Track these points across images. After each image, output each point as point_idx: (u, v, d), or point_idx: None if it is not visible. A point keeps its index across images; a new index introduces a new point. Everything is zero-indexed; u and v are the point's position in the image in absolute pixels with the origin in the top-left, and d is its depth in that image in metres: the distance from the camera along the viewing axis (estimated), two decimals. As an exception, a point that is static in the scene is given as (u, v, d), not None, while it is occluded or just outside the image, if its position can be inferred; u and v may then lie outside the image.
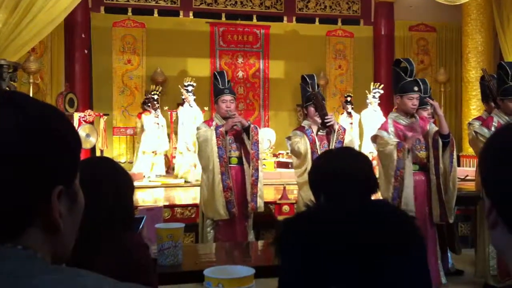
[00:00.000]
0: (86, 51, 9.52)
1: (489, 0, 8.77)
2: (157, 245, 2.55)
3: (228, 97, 4.71)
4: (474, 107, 8.67)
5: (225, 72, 5.23)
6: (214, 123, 4.74)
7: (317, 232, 1.49)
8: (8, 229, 0.71)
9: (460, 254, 4.94)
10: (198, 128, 4.85)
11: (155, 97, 8.87)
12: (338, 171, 1.90)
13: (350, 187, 1.89)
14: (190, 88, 8.28)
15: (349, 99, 9.70)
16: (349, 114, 9.60)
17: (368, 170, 1.95)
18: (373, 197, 2.07)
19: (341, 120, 9.40)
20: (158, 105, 8.81)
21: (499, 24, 8.70)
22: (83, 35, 9.47)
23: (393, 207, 1.79)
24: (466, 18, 8.98)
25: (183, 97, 8.34)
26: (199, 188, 4.97)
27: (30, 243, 0.72)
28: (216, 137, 4.57)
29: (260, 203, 4.64)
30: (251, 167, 4.63)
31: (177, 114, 8.63)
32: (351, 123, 9.42)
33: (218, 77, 4.86)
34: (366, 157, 2.03)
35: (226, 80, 4.87)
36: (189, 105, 8.20)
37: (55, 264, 0.75)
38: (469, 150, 8.15)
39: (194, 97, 8.24)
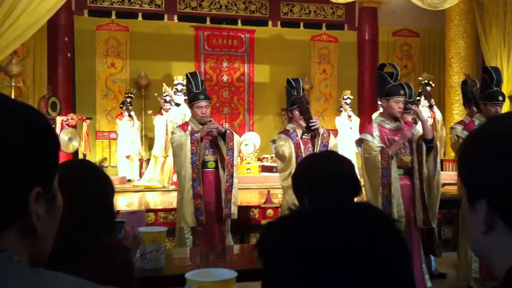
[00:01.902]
0: (69, 55, 9.44)
1: (471, 6, 8.87)
2: (140, 249, 2.53)
3: (203, 103, 4.64)
4: (457, 111, 8.74)
5: (197, 72, 5.11)
6: (189, 127, 4.69)
7: (301, 235, 1.49)
8: None
9: (440, 257, 4.97)
10: (172, 133, 4.79)
11: (168, 98, 8.57)
12: (321, 174, 1.91)
13: (334, 190, 1.89)
14: (179, 87, 8.03)
15: (348, 101, 9.27)
16: (349, 117, 9.16)
17: (351, 173, 1.96)
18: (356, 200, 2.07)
19: (338, 123, 9.18)
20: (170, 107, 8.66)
21: (481, 30, 8.80)
22: (66, 38, 9.39)
23: (376, 208, 1.80)
24: (449, 24, 9.07)
25: (167, 97, 8.19)
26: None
27: (6, 246, 0.70)
28: (191, 143, 4.52)
29: (233, 209, 4.59)
30: (225, 173, 4.60)
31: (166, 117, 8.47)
32: (351, 128, 9.04)
33: (191, 79, 4.75)
34: (349, 161, 2.04)
35: (200, 82, 4.76)
36: (174, 104, 7.93)
37: (33, 266, 0.73)
38: (451, 154, 8.22)
39: (185, 97, 8.00)
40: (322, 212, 1.64)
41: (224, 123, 9.89)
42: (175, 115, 7.89)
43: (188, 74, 4.86)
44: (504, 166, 0.77)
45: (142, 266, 2.49)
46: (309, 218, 1.62)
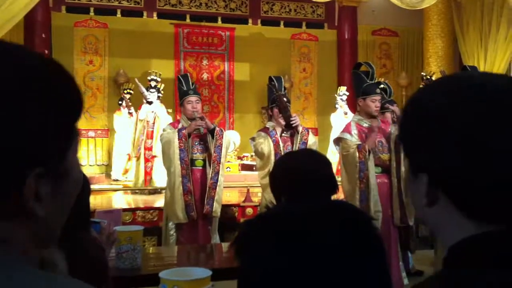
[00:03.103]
0: (46, 51, 9.29)
1: (449, 6, 8.98)
2: (115, 248, 2.50)
3: (193, 98, 4.70)
4: (434, 110, 8.81)
5: (188, 74, 5.22)
6: (180, 125, 4.72)
7: (278, 233, 1.48)
8: None
9: (414, 253, 5.01)
10: (163, 130, 4.85)
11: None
12: (298, 171, 1.91)
13: (310, 188, 1.89)
14: (153, 84, 7.59)
15: (344, 97, 8.87)
16: (345, 114, 8.77)
17: (327, 171, 1.96)
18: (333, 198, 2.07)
19: (333, 120, 8.91)
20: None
21: (458, 29, 8.92)
22: (43, 35, 9.24)
23: (353, 207, 1.81)
24: (427, 23, 9.16)
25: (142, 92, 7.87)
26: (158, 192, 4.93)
27: (5, 233, 0.61)
28: (179, 139, 4.55)
29: (216, 207, 4.60)
30: (211, 170, 4.61)
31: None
32: None
33: (182, 80, 4.85)
34: (325, 158, 2.04)
35: (191, 82, 4.86)
36: (145, 101, 7.50)
37: (39, 248, 0.65)
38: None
39: (159, 94, 7.62)
40: (299, 210, 1.63)
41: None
42: (145, 113, 7.51)
43: (180, 76, 5.01)
44: (440, 138, 0.74)
45: (118, 265, 2.47)
46: (286, 216, 1.61)
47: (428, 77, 7.63)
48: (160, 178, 7.01)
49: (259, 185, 4.87)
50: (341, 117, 8.89)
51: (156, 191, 7.06)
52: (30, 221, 0.62)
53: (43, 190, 0.61)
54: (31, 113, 0.60)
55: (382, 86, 4.94)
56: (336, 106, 9.21)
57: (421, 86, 8.21)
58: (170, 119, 7.41)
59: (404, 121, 0.83)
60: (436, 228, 0.80)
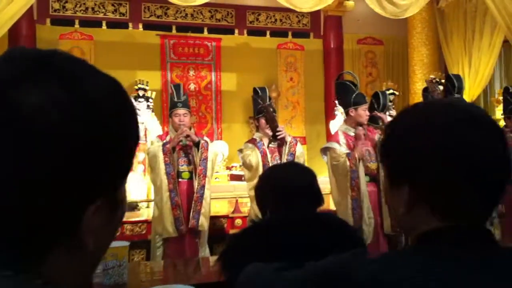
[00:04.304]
0: (31, 64, 9.22)
1: (433, 14, 9.07)
2: (101, 264, 2.47)
3: (181, 111, 4.68)
4: (421, 117, 8.84)
5: (181, 85, 5.18)
6: (168, 137, 4.70)
7: (263, 246, 1.47)
8: (27, 256, 0.54)
9: None
10: (151, 143, 4.82)
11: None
12: (282, 184, 1.90)
13: (295, 201, 1.88)
14: (141, 93, 7.41)
15: None
16: None
17: (312, 183, 1.95)
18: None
19: (332, 127, 8.72)
20: None
21: (442, 37, 9.00)
22: (28, 48, 9.17)
23: (338, 218, 1.81)
24: (412, 32, 9.24)
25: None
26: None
27: (51, 273, 0.55)
28: (163, 154, 4.51)
29: (202, 221, 4.57)
30: (197, 183, 4.59)
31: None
32: None
33: (173, 90, 4.83)
34: (310, 170, 2.04)
35: (182, 93, 4.83)
36: None
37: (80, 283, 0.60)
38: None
39: (148, 103, 7.48)
40: (283, 224, 1.63)
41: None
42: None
43: (172, 86, 4.99)
44: (420, 154, 0.86)
45: (104, 282, 2.44)
46: (270, 230, 1.61)
47: (437, 80, 7.42)
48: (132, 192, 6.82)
49: (248, 195, 4.86)
50: (341, 124, 8.69)
51: (135, 207, 6.77)
52: (78, 256, 0.57)
53: (97, 222, 0.57)
54: (108, 144, 0.56)
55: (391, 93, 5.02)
56: (336, 113, 9.16)
57: (429, 90, 8.16)
58: (161, 131, 7.25)
59: (392, 137, 0.95)
60: (412, 230, 0.91)
